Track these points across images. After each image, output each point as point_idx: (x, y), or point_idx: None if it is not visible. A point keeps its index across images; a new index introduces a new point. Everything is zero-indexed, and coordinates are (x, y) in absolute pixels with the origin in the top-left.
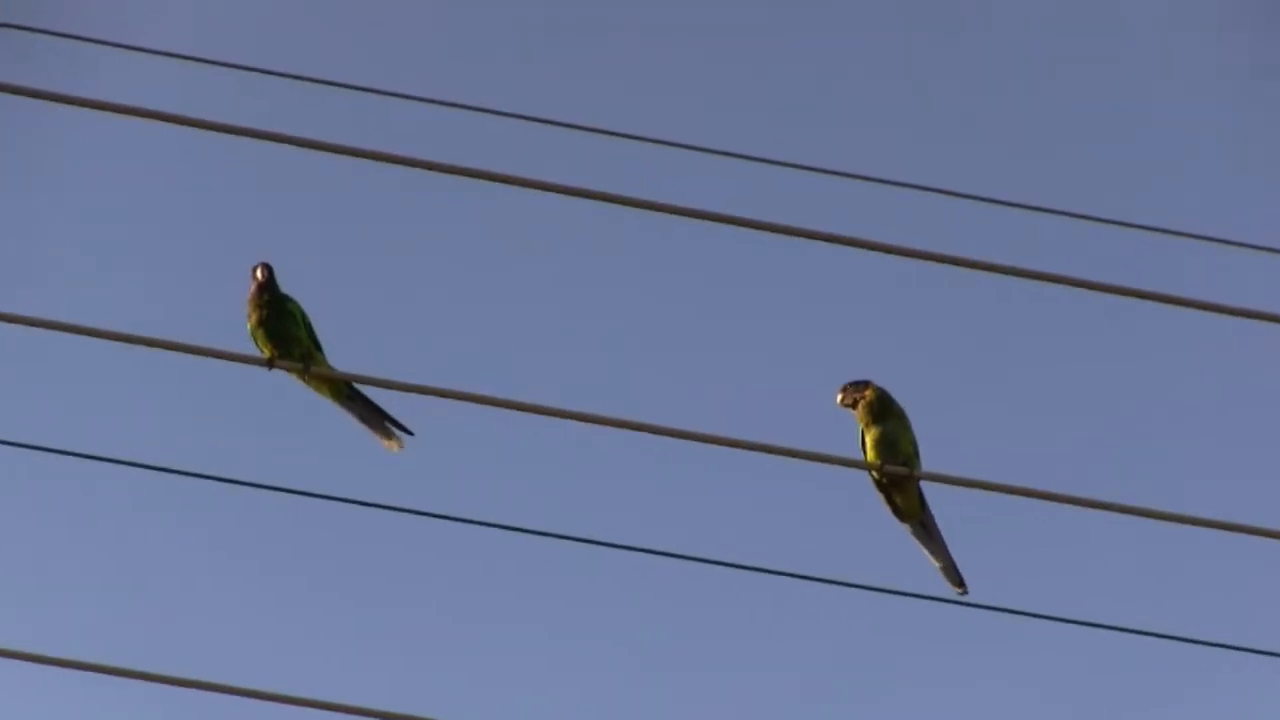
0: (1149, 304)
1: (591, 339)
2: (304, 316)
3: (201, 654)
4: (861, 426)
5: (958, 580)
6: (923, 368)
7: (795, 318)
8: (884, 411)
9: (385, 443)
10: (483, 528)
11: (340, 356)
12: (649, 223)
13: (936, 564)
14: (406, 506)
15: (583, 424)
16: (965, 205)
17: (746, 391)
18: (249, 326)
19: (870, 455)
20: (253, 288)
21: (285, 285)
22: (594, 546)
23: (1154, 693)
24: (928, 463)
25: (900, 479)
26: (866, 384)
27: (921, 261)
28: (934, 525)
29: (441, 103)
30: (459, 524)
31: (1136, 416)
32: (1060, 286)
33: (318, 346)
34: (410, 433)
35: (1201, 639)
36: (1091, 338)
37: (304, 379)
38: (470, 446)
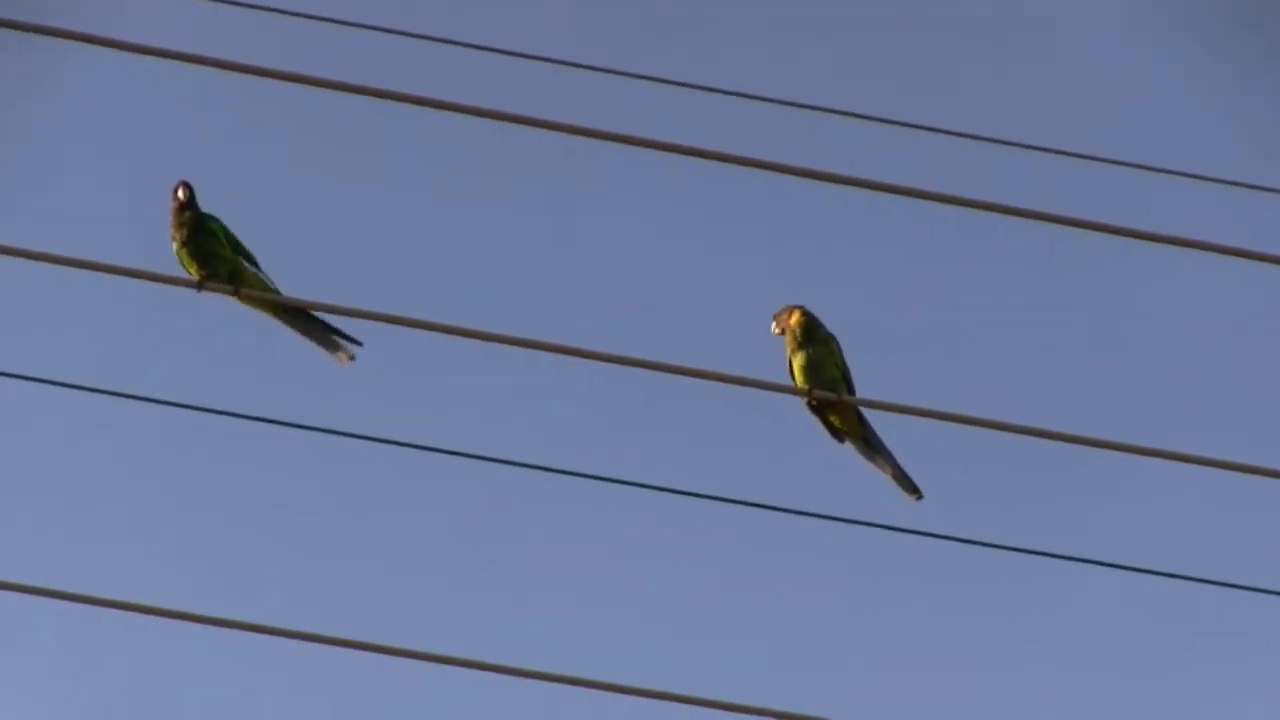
0: (1116, 238)
1: (530, 264)
2: (226, 232)
3: (139, 577)
4: (788, 352)
5: (911, 487)
6: (892, 296)
7: (746, 246)
8: (809, 336)
9: (334, 355)
10: (425, 452)
11: (280, 279)
12: (590, 148)
13: (887, 474)
14: (349, 430)
15: (522, 349)
16: (929, 138)
17: (691, 319)
18: (174, 248)
19: (799, 380)
20: (173, 208)
21: (219, 208)
22: (537, 472)
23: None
24: (868, 386)
25: (832, 402)
26: (794, 308)
27: (876, 192)
28: (877, 439)
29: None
30: (402, 448)
31: (1094, 350)
32: (1021, 219)
33: (249, 260)
34: (359, 343)
35: (1134, 566)
36: (1055, 271)
37: (237, 299)
38: (412, 371)
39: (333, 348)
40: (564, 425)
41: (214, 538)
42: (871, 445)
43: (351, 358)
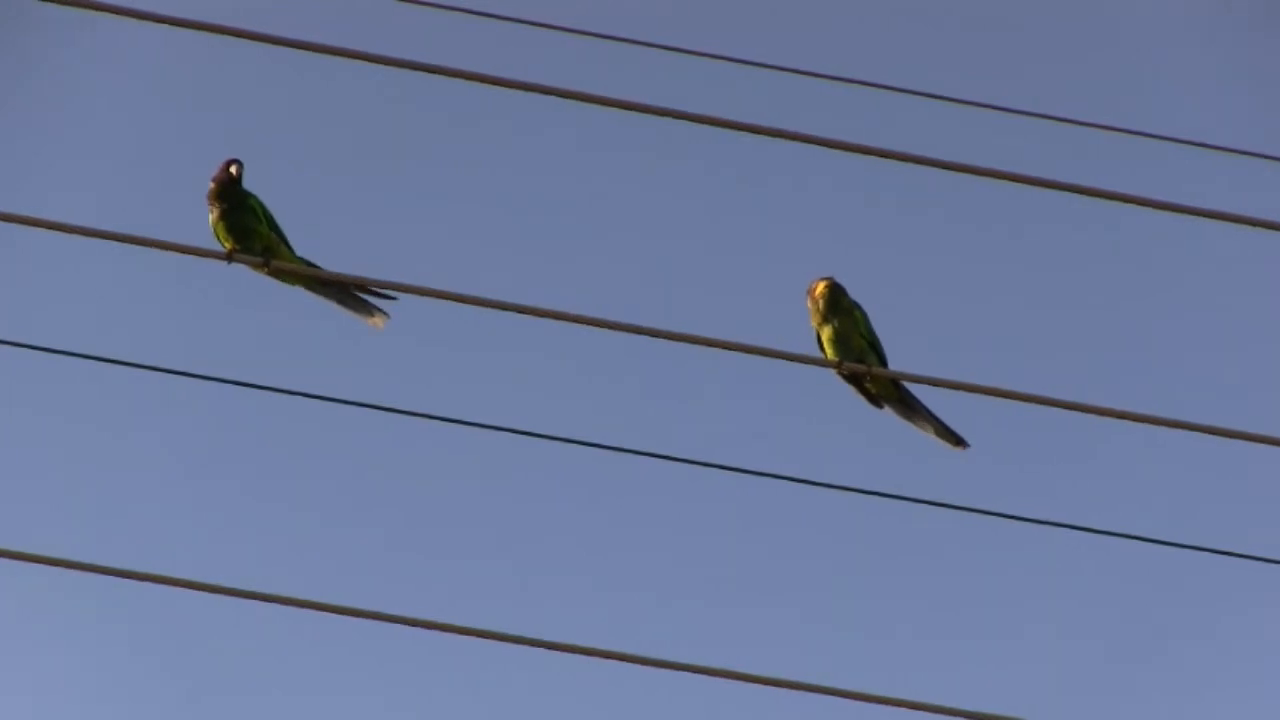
0: (1145, 210)
1: (561, 237)
2: (264, 210)
3: (170, 549)
4: (814, 324)
5: (955, 439)
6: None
7: (784, 217)
8: (832, 307)
9: (369, 320)
10: (451, 425)
11: (311, 251)
12: (621, 120)
13: (929, 431)
14: (367, 401)
15: (551, 321)
16: (961, 109)
17: (728, 293)
18: (211, 220)
19: (828, 352)
20: (220, 180)
21: (257, 182)
22: (570, 445)
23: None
24: (902, 356)
25: (862, 373)
26: (822, 279)
27: (919, 165)
28: (914, 399)
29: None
30: (427, 420)
31: (1125, 320)
32: (1053, 191)
33: (283, 240)
34: (393, 298)
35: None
36: (1090, 243)
37: (266, 272)
38: (439, 345)
39: (367, 313)
40: (598, 400)
41: (239, 511)
42: (909, 405)
43: (387, 317)
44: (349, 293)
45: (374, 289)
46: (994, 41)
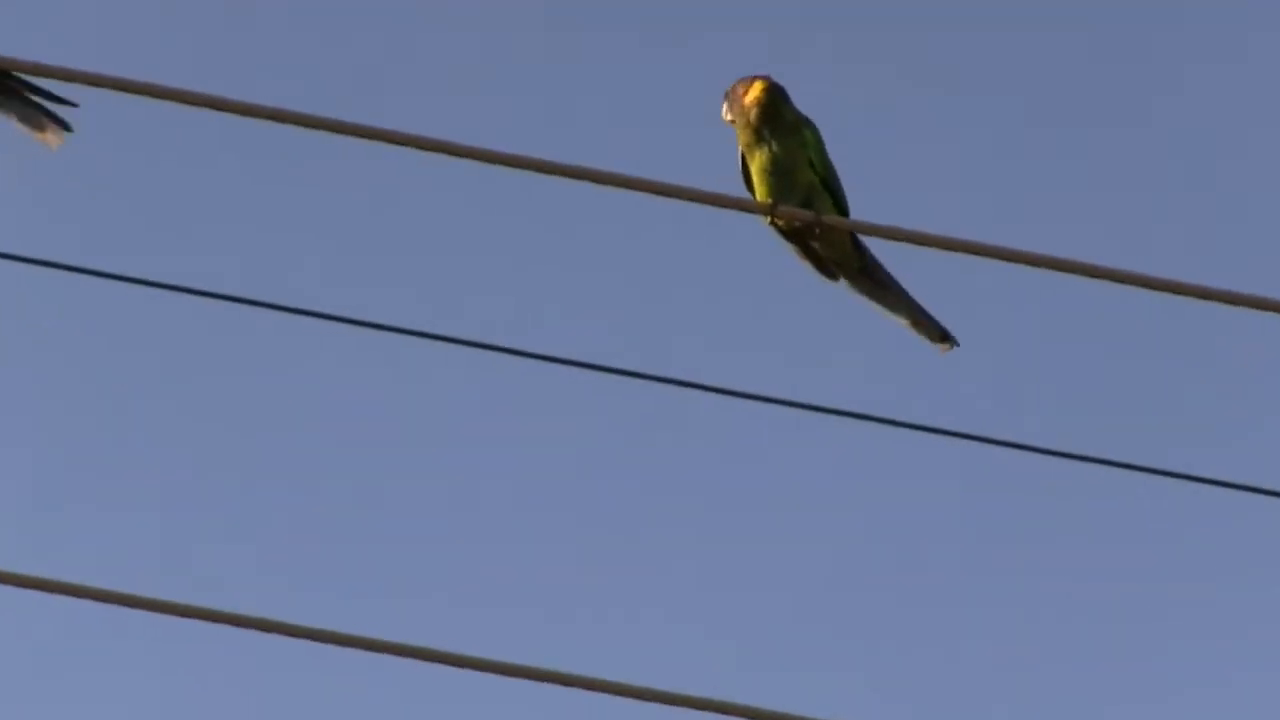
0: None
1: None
2: None
3: None
4: (741, 145)
5: (940, 333)
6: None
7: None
8: (771, 121)
9: (40, 137)
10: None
11: None
12: None
13: (903, 319)
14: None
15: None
16: None
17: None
18: None
19: (757, 190)
20: None
21: None
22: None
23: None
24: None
25: (808, 223)
26: (754, 80)
27: None
28: (883, 272)
29: None
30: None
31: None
32: None
33: None
34: (69, 128)
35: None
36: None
37: None
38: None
39: (38, 126)
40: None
41: None
42: (877, 280)
43: (66, 130)
44: (26, 102)
45: (43, 105)
46: None
